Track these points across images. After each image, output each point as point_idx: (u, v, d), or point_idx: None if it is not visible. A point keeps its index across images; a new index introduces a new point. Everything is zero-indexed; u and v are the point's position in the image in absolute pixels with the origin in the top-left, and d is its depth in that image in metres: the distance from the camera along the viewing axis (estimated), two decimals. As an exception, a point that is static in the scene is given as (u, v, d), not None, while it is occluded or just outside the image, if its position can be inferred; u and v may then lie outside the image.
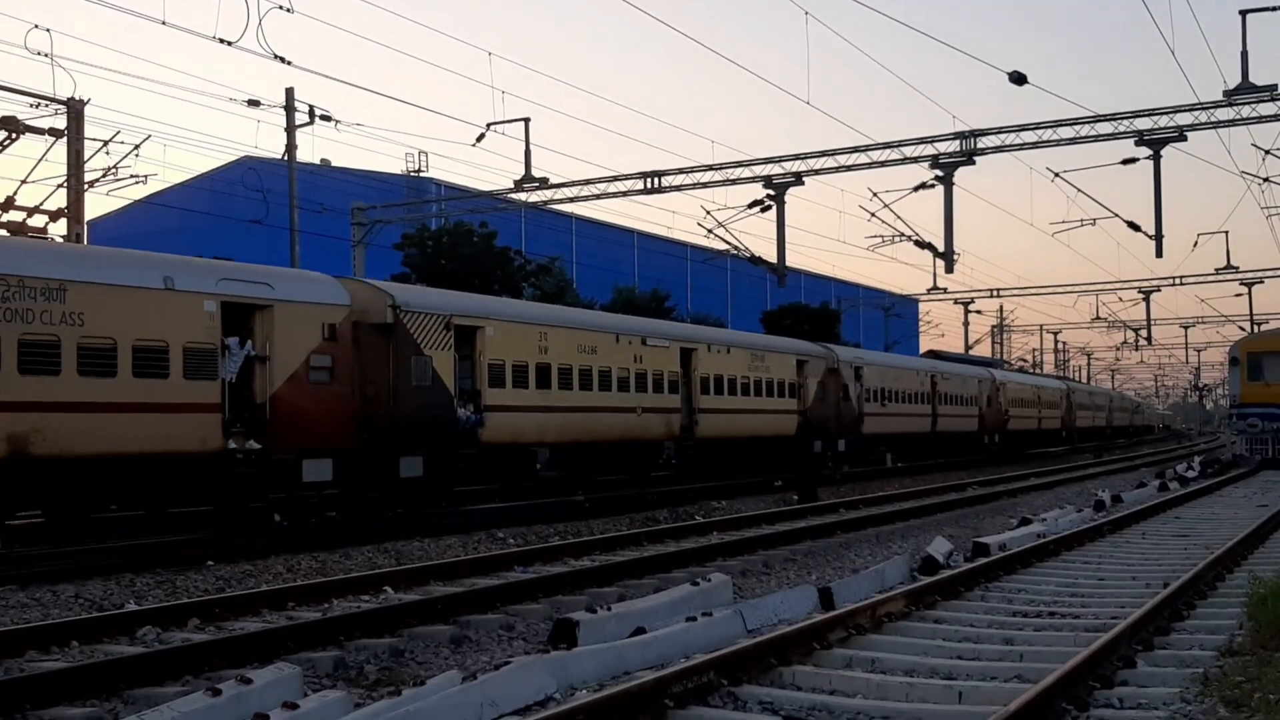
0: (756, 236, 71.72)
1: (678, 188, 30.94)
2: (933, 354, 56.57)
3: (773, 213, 29.40)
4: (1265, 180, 31.00)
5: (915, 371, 41.09)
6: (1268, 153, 28.61)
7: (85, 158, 24.93)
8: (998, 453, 46.93)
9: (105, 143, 24.71)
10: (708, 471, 26.59)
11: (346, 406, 16.79)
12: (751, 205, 29.64)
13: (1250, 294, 56.80)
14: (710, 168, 30.42)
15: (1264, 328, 50.39)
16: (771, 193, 29.21)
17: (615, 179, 31.64)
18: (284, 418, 15.77)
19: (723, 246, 33.39)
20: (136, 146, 24.73)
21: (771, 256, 30.72)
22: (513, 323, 21.02)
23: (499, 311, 21.28)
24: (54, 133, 24.44)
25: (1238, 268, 49.06)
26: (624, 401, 23.83)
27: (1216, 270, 49.00)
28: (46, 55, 22.94)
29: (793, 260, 34.75)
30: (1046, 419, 58.06)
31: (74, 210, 24.72)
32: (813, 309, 62.20)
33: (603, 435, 22.90)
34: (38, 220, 23.28)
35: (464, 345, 19.56)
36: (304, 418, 16.03)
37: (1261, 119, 25.20)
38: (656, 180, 30.85)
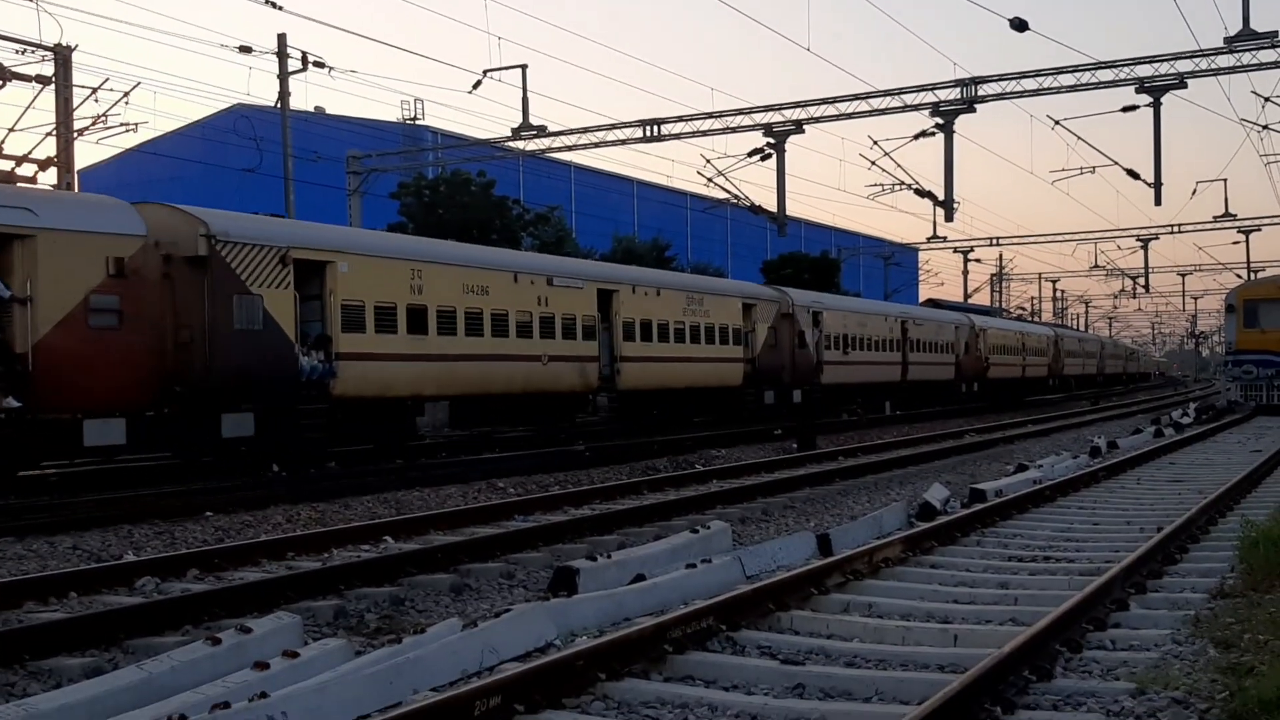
0: (757, 185, 71.44)
1: (677, 136, 30.71)
2: (931, 303, 56.52)
3: (773, 161, 29.25)
4: (1264, 128, 30.85)
5: (884, 317, 38.46)
6: (1267, 100, 28.42)
7: (74, 105, 24.68)
8: (971, 398, 44.44)
9: (94, 90, 24.45)
10: (636, 427, 24.77)
11: (145, 356, 14.48)
12: (751, 154, 29.45)
13: (1248, 242, 56.83)
14: (710, 115, 30.17)
15: (1261, 275, 50.29)
16: (771, 141, 29.01)
17: (614, 127, 31.39)
18: (53, 370, 13.59)
19: (723, 195, 33.25)
20: (126, 94, 24.48)
21: (772, 205, 30.60)
22: (373, 257, 18.37)
23: (354, 244, 18.54)
24: (41, 80, 24.19)
25: (1236, 216, 49.02)
26: (525, 349, 21.25)
27: (1215, 218, 48.92)
28: (32, 0, 22.64)
29: (793, 209, 34.54)
30: (1032, 366, 55.88)
31: (63, 159, 24.52)
32: (813, 258, 62.05)
33: (500, 388, 20.65)
34: (27, 169, 23.10)
35: (309, 283, 17.23)
36: (82, 370, 13.83)
37: (1262, 66, 25.02)
38: (656, 128, 30.60)
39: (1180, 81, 25.47)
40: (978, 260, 67.89)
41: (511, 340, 21.02)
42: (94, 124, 25.24)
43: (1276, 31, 24.31)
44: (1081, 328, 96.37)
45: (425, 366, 19.07)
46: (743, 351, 29.06)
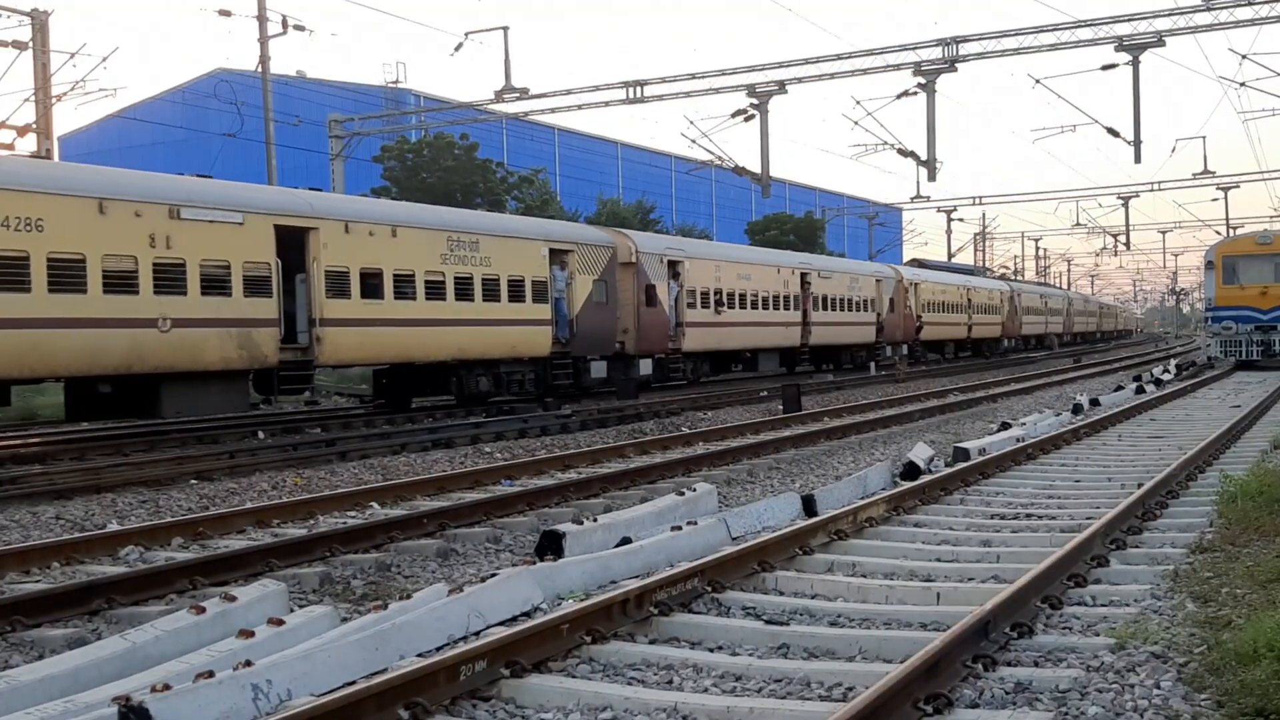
0: (742, 147, 71.17)
1: (660, 97, 30.54)
2: (916, 263, 56.52)
3: (756, 122, 29.10)
4: (1242, 85, 30.88)
5: (775, 269, 32.79)
6: (1245, 57, 28.43)
7: (51, 71, 24.38)
8: (889, 365, 37.48)
9: (72, 55, 24.17)
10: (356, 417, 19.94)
11: None
12: (735, 114, 29.31)
13: (1226, 199, 57.24)
14: (693, 76, 29.98)
15: (1239, 232, 50.49)
16: (755, 102, 28.87)
17: (597, 89, 31.18)
18: None
19: (706, 157, 33.13)
20: (104, 59, 24.27)
21: (756, 167, 30.49)
22: None
23: None
24: (18, 45, 23.89)
25: (1214, 173, 49.30)
26: (123, 310, 15.27)
27: (1194, 176, 49.19)
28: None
29: (777, 171, 34.41)
30: (981, 325, 50.67)
31: (42, 125, 24.26)
32: (797, 219, 62.04)
33: (75, 367, 15.15)
34: (5, 135, 22.86)
35: None
36: None
37: (1239, 23, 25.09)
38: (639, 90, 30.41)
39: (1159, 40, 25.53)
40: (961, 220, 67.88)
41: (96, 298, 14.96)
42: (73, 89, 24.98)
43: (1253, -12, 24.34)
44: (1066, 285, 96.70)
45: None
46: (550, 313, 22.84)
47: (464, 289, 20.83)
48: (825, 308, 35.41)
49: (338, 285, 18.38)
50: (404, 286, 19.57)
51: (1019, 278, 78.51)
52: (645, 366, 26.16)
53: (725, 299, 29.43)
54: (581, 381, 24.06)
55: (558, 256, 23.36)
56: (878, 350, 39.32)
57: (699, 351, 28.69)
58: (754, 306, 31.07)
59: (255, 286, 17.06)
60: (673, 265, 27.43)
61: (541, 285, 22.71)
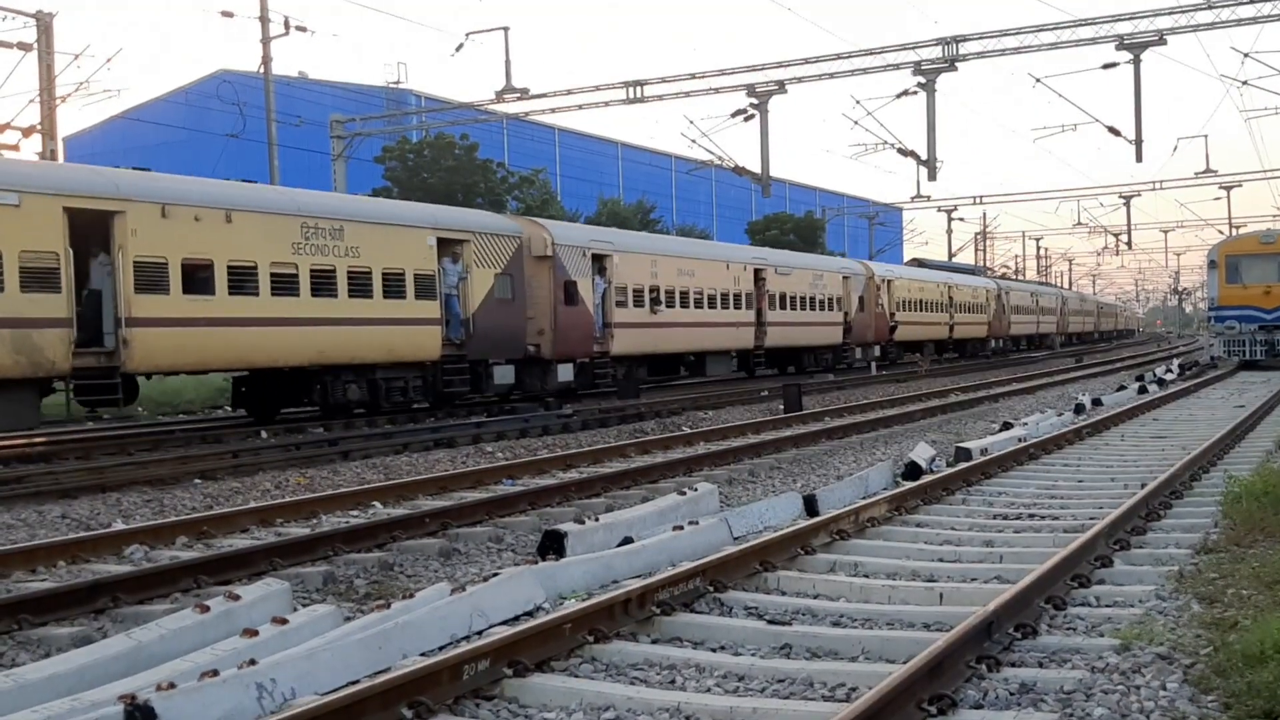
0: (742, 147, 71.22)
1: (660, 97, 30.56)
2: (916, 262, 56.48)
3: (756, 122, 29.11)
4: (1244, 83, 30.94)
5: (724, 264, 30.12)
6: (1246, 55, 28.53)
7: (56, 72, 24.42)
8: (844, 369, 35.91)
9: (76, 56, 24.23)
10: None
11: None
12: (735, 114, 29.32)
13: (1229, 198, 57.28)
14: (693, 76, 30.00)
15: (1242, 231, 50.51)
16: (754, 101, 28.88)
17: (597, 89, 31.19)
18: None
19: (707, 157, 33.14)
20: (108, 60, 24.36)
21: (756, 167, 30.50)
22: None
23: None
24: (23, 46, 23.93)
25: (1217, 172, 49.36)
26: None
27: (1196, 175, 49.23)
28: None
29: (777, 171, 34.30)
30: (964, 326, 47.98)
31: (47, 126, 24.30)
32: (797, 219, 62.06)
33: None
34: (10, 136, 22.90)
35: None
36: None
37: (1240, 21, 25.11)
38: (639, 90, 30.42)
39: (1160, 38, 25.55)
40: (961, 219, 67.91)
41: None
42: (77, 90, 25.03)
43: (1255, -14, 24.37)
44: (1068, 285, 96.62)
45: None
46: (437, 309, 20.15)
47: (324, 283, 18.06)
48: (783, 306, 32.85)
49: (151, 278, 15.69)
50: (243, 280, 16.85)
51: (1020, 277, 78.45)
52: (564, 372, 23.16)
53: (663, 297, 26.69)
54: (483, 389, 21.51)
55: (449, 247, 20.67)
56: (845, 352, 37.14)
57: (632, 355, 25.79)
58: (698, 305, 28.37)
59: (37, 280, 14.39)
60: (598, 259, 24.56)
61: (427, 279, 19.92)
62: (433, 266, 20.12)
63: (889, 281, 40.69)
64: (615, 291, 25.00)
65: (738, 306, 30.35)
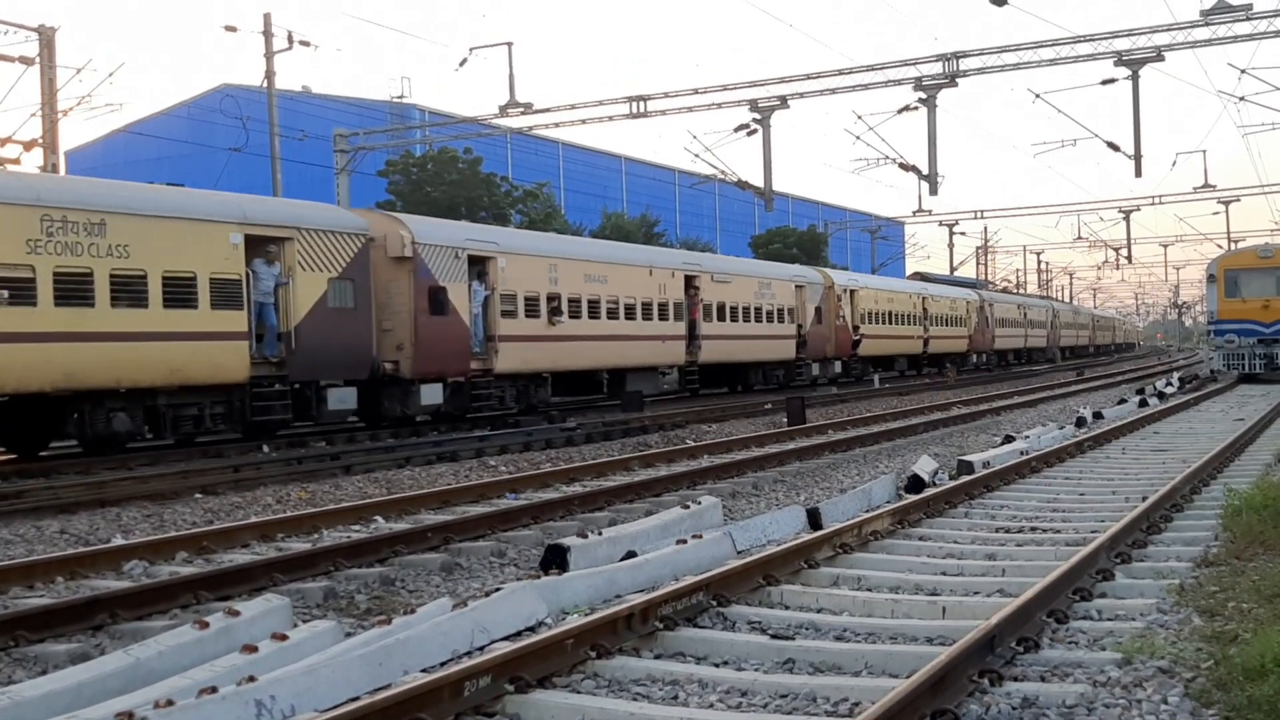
0: (745, 161, 71.46)
1: (663, 112, 30.67)
2: (919, 275, 56.52)
3: (759, 136, 29.19)
4: (1241, 99, 31.09)
5: (646, 269, 26.96)
6: (1244, 72, 28.68)
7: (58, 86, 24.53)
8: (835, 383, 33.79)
9: (78, 70, 24.33)
10: None
11: None
12: (738, 129, 29.42)
13: (1227, 212, 57.53)
14: (696, 91, 30.12)
15: (1240, 245, 50.56)
16: (757, 117, 28.97)
17: (600, 104, 31.31)
18: None
19: (710, 171, 33.21)
20: (111, 74, 24.44)
21: (759, 181, 30.56)
22: None
23: None
24: (25, 61, 24.04)
25: (1215, 186, 49.58)
26: None
27: (1194, 189, 49.39)
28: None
29: (780, 185, 34.28)
30: (940, 339, 44.97)
31: (48, 140, 24.39)
32: (800, 232, 62.15)
33: None
34: (11, 150, 22.99)
35: None
36: None
37: (1237, 38, 25.30)
38: (642, 104, 30.51)
39: (1158, 55, 25.75)
40: (963, 234, 68.00)
41: None
42: (79, 104, 25.14)
43: (1250, 4, 24.63)
44: (1066, 298, 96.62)
45: None
46: (244, 321, 16.94)
47: (75, 290, 15.08)
48: (722, 318, 29.90)
49: None
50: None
51: (1020, 291, 78.38)
52: (430, 394, 19.91)
53: (565, 305, 23.52)
54: (314, 415, 18.37)
55: (262, 246, 17.43)
56: (800, 368, 34.26)
57: (524, 373, 22.59)
58: (613, 315, 25.21)
59: None
60: (478, 262, 21.38)
61: (231, 285, 16.75)
62: (238, 269, 16.90)
63: (851, 291, 37.82)
64: (501, 299, 21.77)
65: (664, 317, 27.28)
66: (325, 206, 20.53)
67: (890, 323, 40.83)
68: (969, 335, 48.72)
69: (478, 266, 21.43)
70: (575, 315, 23.94)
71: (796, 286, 34.46)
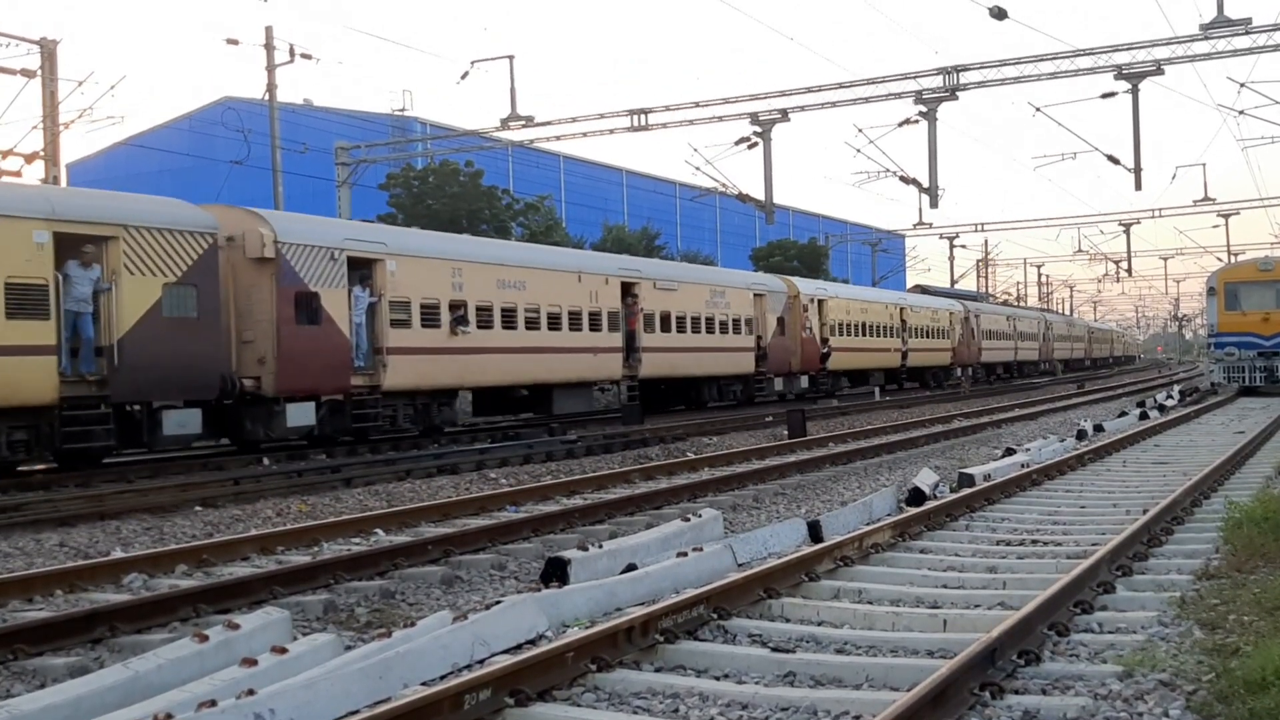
0: (746, 174, 71.63)
1: (664, 125, 30.77)
2: (920, 288, 56.55)
3: (760, 150, 29.28)
4: (1241, 113, 31.19)
5: (574, 275, 24.54)
6: (1243, 86, 28.73)
7: (59, 99, 24.61)
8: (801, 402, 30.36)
9: (80, 83, 24.42)
10: None
11: None
12: (738, 142, 29.51)
13: (1227, 225, 57.76)
14: (697, 104, 30.23)
15: (1240, 258, 50.64)
16: (758, 129, 29.06)
17: (602, 116, 31.44)
18: None
19: (711, 184, 33.28)
20: (112, 87, 24.51)
21: (760, 193, 30.63)
22: None
23: None
24: (26, 73, 24.12)
25: (1215, 200, 49.85)
26: None
27: (1194, 202, 49.62)
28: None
29: (781, 198, 34.25)
30: (921, 352, 43.02)
31: (50, 152, 24.45)
32: (801, 245, 62.23)
33: None
34: (13, 163, 23.05)
35: None
36: None
37: (1236, 52, 25.46)
38: (643, 118, 30.63)
39: (1157, 68, 25.88)
40: (964, 246, 68.11)
41: None
42: (80, 116, 25.22)
43: (1250, 18, 24.79)
44: (1067, 311, 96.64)
45: None
46: (51, 332, 14.70)
47: None
48: (665, 328, 27.41)
49: None
50: None
51: (1021, 303, 78.38)
52: (299, 414, 17.69)
53: (473, 314, 21.26)
54: (147, 441, 16.21)
55: (76, 246, 15.19)
56: (760, 383, 32.03)
57: (422, 389, 20.34)
58: (532, 325, 22.90)
59: None
60: (361, 265, 19.09)
61: (34, 291, 14.49)
62: (45, 274, 14.57)
63: (820, 301, 35.50)
64: (391, 307, 19.48)
65: (596, 327, 24.82)
66: (161, 200, 17.85)
67: (864, 334, 38.71)
68: (952, 348, 46.72)
69: (361, 270, 19.16)
70: (486, 325, 21.59)
71: (755, 295, 32.04)
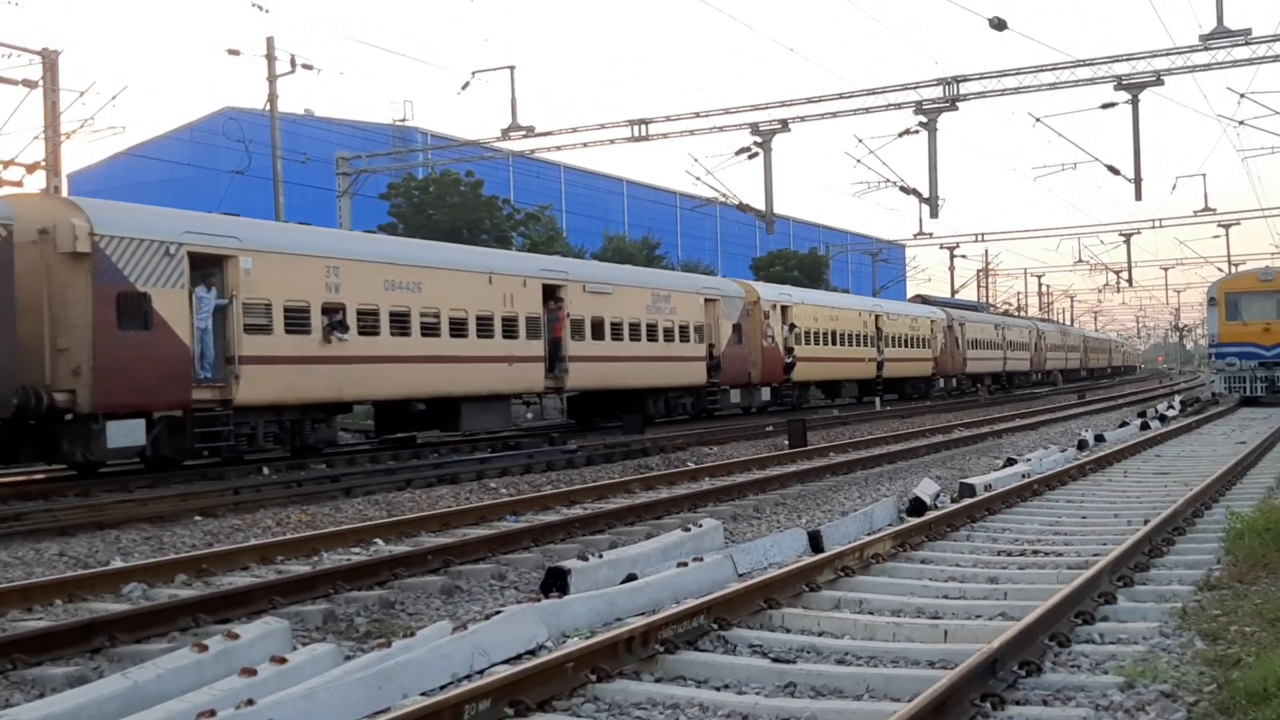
0: (746, 184, 71.71)
1: (665, 135, 30.82)
2: (920, 298, 56.56)
3: (760, 160, 29.33)
4: (1241, 123, 31.30)
5: (485, 276, 22.09)
6: (1243, 96, 28.80)
7: (61, 109, 24.66)
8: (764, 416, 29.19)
9: (81, 93, 24.48)
10: None
11: None
12: (739, 152, 29.57)
13: (1227, 235, 57.75)
14: (697, 115, 30.31)
15: (1241, 268, 50.72)
16: (758, 139, 29.12)
17: (602, 127, 31.47)
18: None
19: (711, 194, 33.33)
20: (114, 97, 24.60)
21: (760, 203, 30.67)
22: None
23: None
24: (28, 84, 24.17)
25: (1215, 210, 49.84)
26: None
27: (1195, 213, 49.70)
28: (18, 1, 22.78)
29: (781, 208, 34.22)
30: (898, 362, 40.78)
31: (51, 162, 24.49)
32: (801, 255, 62.29)
33: None
34: (14, 173, 23.08)
35: None
36: None
37: (1236, 63, 25.54)
38: (644, 128, 30.69)
39: (1157, 79, 25.96)
40: (964, 256, 68.19)
41: None
42: (82, 127, 25.27)
43: (1250, 29, 24.76)
44: (1068, 321, 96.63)
45: None
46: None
47: None
48: (598, 335, 25.10)
49: None
50: None
51: (1021, 313, 78.36)
52: (123, 433, 15.45)
53: (353, 319, 18.94)
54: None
55: None
56: (713, 395, 29.49)
57: (287, 404, 18.13)
58: (429, 331, 20.54)
59: None
60: (207, 261, 16.94)
61: None
62: None
63: (783, 307, 33.06)
64: (246, 310, 17.30)
65: (512, 334, 22.47)
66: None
67: (834, 343, 36.25)
68: (934, 358, 44.25)
69: (207, 268, 16.99)
70: (371, 331, 19.31)
71: (706, 300, 29.45)
